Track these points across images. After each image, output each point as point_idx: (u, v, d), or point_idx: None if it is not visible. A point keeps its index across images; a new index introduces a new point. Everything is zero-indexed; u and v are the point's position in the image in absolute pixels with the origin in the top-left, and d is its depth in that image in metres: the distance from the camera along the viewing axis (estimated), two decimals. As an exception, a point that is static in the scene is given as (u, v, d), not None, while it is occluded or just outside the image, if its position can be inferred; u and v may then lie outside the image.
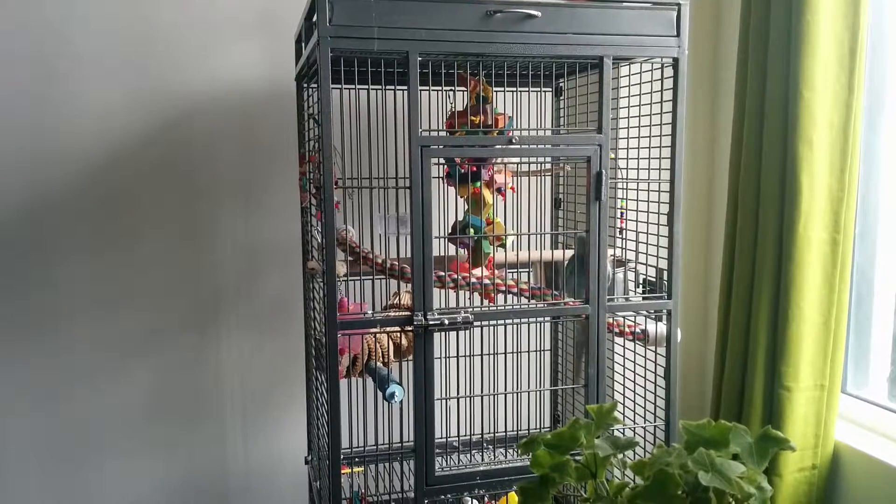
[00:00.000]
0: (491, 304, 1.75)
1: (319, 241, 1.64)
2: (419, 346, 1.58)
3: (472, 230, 1.76)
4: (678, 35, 1.63)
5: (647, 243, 1.79)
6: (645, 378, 1.84)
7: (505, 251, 1.85)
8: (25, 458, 2.13)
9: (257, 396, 2.29)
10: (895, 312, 1.93)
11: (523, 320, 1.73)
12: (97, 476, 2.19)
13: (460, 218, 1.83)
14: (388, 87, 1.61)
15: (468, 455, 1.78)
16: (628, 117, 1.86)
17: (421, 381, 1.59)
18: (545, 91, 2.10)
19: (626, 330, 1.78)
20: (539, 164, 1.98)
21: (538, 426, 2.16)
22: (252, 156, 2.21)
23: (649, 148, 1.77)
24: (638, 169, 1.82)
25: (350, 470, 1.76)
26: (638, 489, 0.99)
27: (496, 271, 1.80)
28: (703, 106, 2.35)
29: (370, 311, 1.61)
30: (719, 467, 0.96)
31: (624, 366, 1.92)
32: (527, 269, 1.97)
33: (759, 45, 1.89)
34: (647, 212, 1.78)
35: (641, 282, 1.81)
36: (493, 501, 1.83)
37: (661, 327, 1.74)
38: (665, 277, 1.72)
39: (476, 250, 1.79)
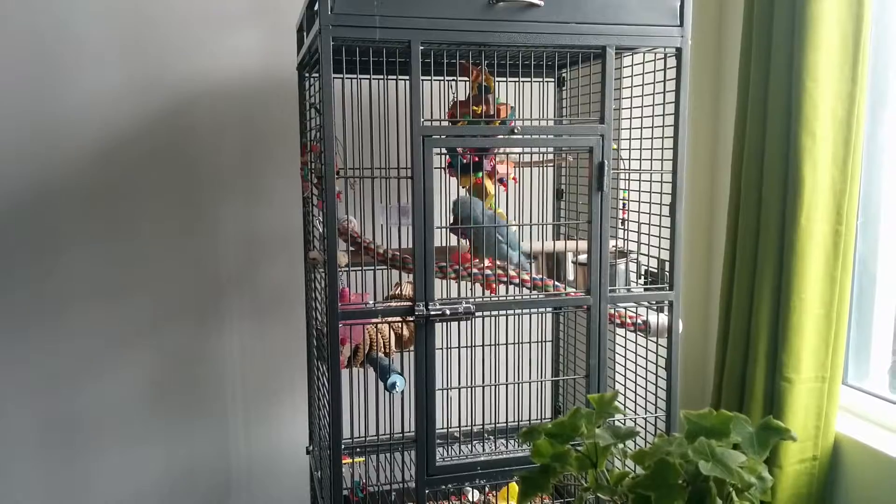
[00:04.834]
0: (492, 294, 1.75)
1: (321, 230, 1.64)
2: (420, 336, 1.58)
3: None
4: (681, 25, 1.62)
5: (648, 234, 1.79)
6: (646, 369, 1.84)
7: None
8: (25, 448, 2.14)
9: (258, 386, 2.30)
10: (897, 304, 1.93)
11: (525, 311, 1.73)
12: (98, 465, 2.20)
13: (462, 208, 1.82)
14: (389, 76, 1.60)
15: (469, 445, 1.79)
16: (631, 108, 1.86)
17: (422, 371, 1.59)
18: (547, 81, 2.09)
19: (628, 321, 1.78)
20: (541, 155, 1.97)
21: (539, 417, 2.16)
22: (253, 145, 2.21)
23: (651, 138, 1.77)
24: (640, 159, 1.81)
25: (351, 460, 1.76)
26: (638, 478, 0.99)
27: (498, 262, 1.80)
28: (705, 96, 2.35)
29: (372, 301, 1.61)
30: (720, 457, 0.97)
31: (626, 356, 1.92)
32: (528, 260, 1.97)
33: (762, 36, 1.88)
34: (650, 202, 1.78)
35: (643, 273, 1.80)
36: (494, 491, 1.83)
37: (663, 318, 1.74)
38: (667, 268, 1.72)
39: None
